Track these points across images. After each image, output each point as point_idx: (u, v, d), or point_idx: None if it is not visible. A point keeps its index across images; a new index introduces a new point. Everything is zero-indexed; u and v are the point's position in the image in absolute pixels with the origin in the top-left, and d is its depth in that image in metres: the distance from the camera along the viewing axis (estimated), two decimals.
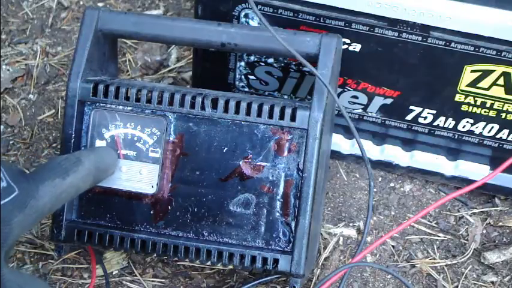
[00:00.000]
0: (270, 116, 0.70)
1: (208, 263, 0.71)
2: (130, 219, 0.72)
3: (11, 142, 0.92)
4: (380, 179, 0.88)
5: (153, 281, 0.80)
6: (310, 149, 0.69)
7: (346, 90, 0.81)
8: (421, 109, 0.80)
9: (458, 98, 0.78)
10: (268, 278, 0.74)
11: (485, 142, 0.81)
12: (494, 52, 0.72)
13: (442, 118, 0.80)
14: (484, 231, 0.85)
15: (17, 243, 0.81)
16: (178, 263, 0.81)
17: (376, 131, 0.84)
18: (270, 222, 0.70)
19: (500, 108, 0.77)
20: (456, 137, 0.82)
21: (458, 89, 0.77)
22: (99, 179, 0.68)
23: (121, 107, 0.72)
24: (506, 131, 0.79)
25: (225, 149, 0.71)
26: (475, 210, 0.86)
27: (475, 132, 0.80)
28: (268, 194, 0.70)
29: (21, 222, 0.55)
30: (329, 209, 0.86)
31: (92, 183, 0.66)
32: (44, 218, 0.60)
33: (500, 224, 0.85)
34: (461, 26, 0.71)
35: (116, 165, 0.71)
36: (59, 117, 0.93)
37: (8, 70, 0.98)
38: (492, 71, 0.74)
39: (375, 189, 0.87)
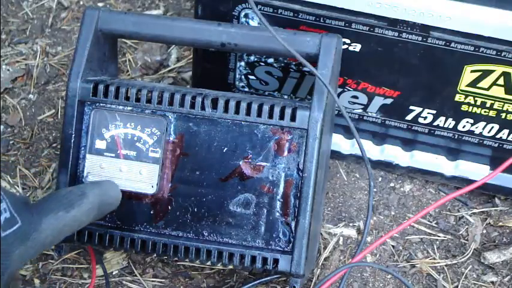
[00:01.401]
0: (270, 116, 0.70)
1: (208, 263, 0.71)
2: (130, 219, 0.72)
3: (11, 142, 0.92)
4: (380, 179, 0.88)
5: (153, 281, 0.80)
6: (310, 149, 0.69)
7: (346, 90, 0.81)
8: (421, 109, 0.80)
9: (458, 98, 0.78)
10: (268, 278, 0.74)
11: (485, 142, 0.81)
12: (494, 52, 0.72)
13: (442, 118, 0.80)
14: (484, 231, 0.85)
15: None
16: (178, 263, 0.81)
17: (376, 131, 0.84)
18: (270, 222, 0.70)
19: (500, 108, 0.77)
20: (456, 137, 0.82)
21: (458, 89, 0.77)
22: (103, 213, 0.67)
23: (121, 107, 0.72)
24: (506, 131, 0.79)
25: (225, 149, 0.71)
26: (475, 210, 0.86)
27: (475, 132, 0.80)
28: (268, 194, 0.70)
29: (21, 254, 0.54)
30: (329, 209, 0.86)
31: (95, 217, 0.65)
32: (43, 251, 0.59)
33: (500, 224, 0.85)
34: (461, 26, 0.71)
35: (120, 199, 0.70)
36: (59, 117, 0.93)
37: (8, 70, 0.98)
38: (492, 71, 0.74)
39: (374, 189, 0.87)
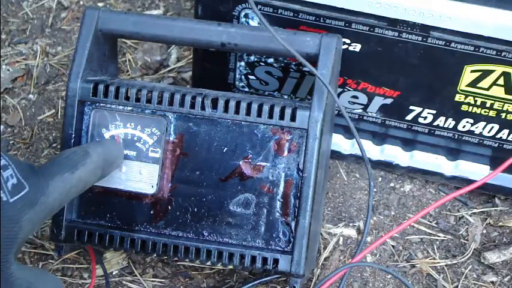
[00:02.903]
0: (270, 116, 0.70)
1: (208, 263, 0.71)
2: (130, 219, 0.72)
3: (11, 142, 0.92)
4: (380, 179, 0.88)
5: (153, 281, 0.80)
6: (310, 149, 0.69)
7: (346, 90, 0.81)
8: (421, 109, 0.80)
9: (458, 98, 0.78)
10: (268, 278, 0.74)
11: (485, 142, 0.81)
12: (494, 52, 0.72)
13: (442, 118, 0.80)
14: (484, 231, 0.85)
15: None
16: (178, 263, 0.81)
17: (376, 131, 0.84)
18: (270, 222, 0.70)
19: (500, 108, 0.77)
20: (456, 137, 0.82)
21: (458, 89, 0.77)
22: (107, 172, 0.68)
23: (121, 107, 0.72)
24: (506, 131, 0.79)
25: (225, 149, 0.71)
26: (475, 210, 0.86)
27: (475, 132, 0.80)
28: (268, 194, 0.70)
29: (31, 219, 0.54)
30: (329, 209, 0.86)
31: (100, 176, 0.66)
32: (53, 214, 0.59)
33: (500, 224, 0.85)
34: (461, 26, 0.71)
35: (122, 157, 0.71)
36: (59, 117, 0.93)
37: (8, 70, 0.98)
38: (492, 71, 0.74)
39: (374, 189, 0.87)
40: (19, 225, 0.53)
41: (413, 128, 0.82)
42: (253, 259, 0.70)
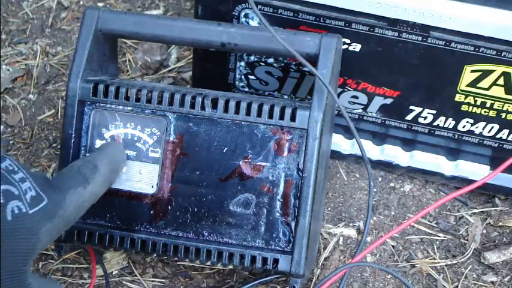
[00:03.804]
0: (270, 116, 0.70)
1: (208, 263, 0.71)
2: (130, 219, 0.72)
3: (11, 142, 0.92)
4: (380, 179, 0.88)
5: (153, 281, 0.80)
6: (310, 149, 0.69)
7: (346, 90, 0.81)
8: (421, 109, 0.80)
9: (458, 98, 0.78)
10: (268, 278, 0.74)
11: (485, 142, 0.81)
12: (494, 52, 0.72)
13: (442, 118, 0.80)
14: (484, 231, 0.85)
15: None
16: (178, 263, 0.81)
17: (376, 131, 0.84)
18: (270, 222, 0.70)
19: (500, 108, 0.77)
20: (456, 137, 0.82)
21: (458, 89, 0.77)
22: (113, 181, 0.68)
23: (121, 107, 0.72)
24: (506, 131, 0.79)
25: (225, 149, 0.71)
26: (475, 210, 0.86)
27: (475, 132, 0.80)
28: (268, 194, 0.70)
29: (49, 231, 0.55)
30: (329, 209, 0.86)
31: (107, 187, 0.66)
32: (68, 227, 0.60)
33: (500, 224, 0.85)
34: (461, 26, 0.71)
35: (125, 161, 0.71)
36: (59, 117, 0.93)
37: (8, 70, 0.98)
38: (492, 71, 0.74)
39: (374, 189, 0.87)
40: (37, 236, 0.54)
41: (413, 128, 0.82)
42: (253, 259, 0.70)
